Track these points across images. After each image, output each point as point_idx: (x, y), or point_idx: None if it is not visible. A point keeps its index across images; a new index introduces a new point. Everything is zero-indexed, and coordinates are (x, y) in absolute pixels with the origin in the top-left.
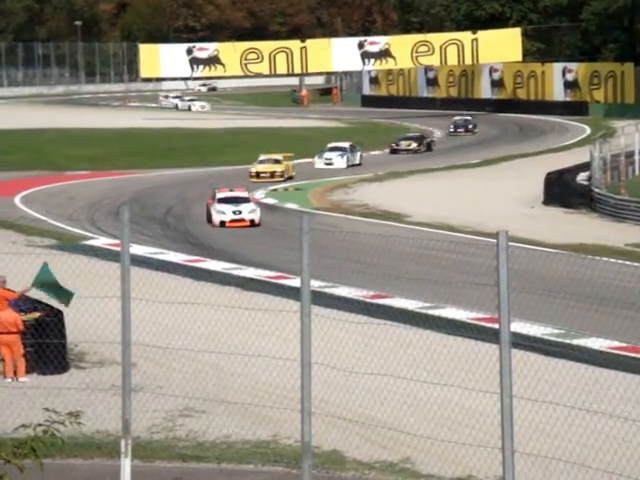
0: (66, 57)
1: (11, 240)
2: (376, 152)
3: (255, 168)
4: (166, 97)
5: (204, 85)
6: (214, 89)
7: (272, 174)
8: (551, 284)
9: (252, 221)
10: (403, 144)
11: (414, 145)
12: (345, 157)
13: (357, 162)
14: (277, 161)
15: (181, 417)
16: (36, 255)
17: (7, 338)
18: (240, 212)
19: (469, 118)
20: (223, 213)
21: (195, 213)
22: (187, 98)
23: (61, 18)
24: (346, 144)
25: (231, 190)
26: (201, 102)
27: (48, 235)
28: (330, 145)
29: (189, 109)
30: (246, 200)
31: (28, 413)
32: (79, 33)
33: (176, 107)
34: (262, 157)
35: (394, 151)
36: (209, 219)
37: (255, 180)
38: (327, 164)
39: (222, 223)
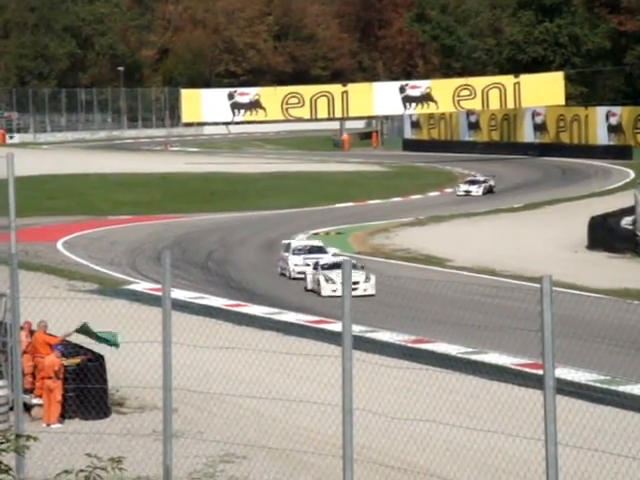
0: (109, 102)
1: (53, 285)
2: (417, 196)
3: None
4: None
5: None
6: None
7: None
8: (596, 330)
9: None
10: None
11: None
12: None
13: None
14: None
15: (222, 463)
16: (78, 300)
17: (48, 383)
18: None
19: None
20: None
21: (236, 257)
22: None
23: (104, 64)
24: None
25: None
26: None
27: (90, 280)
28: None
29: None
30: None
31: (70, 459)
32: (121, 79)
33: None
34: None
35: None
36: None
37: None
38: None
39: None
